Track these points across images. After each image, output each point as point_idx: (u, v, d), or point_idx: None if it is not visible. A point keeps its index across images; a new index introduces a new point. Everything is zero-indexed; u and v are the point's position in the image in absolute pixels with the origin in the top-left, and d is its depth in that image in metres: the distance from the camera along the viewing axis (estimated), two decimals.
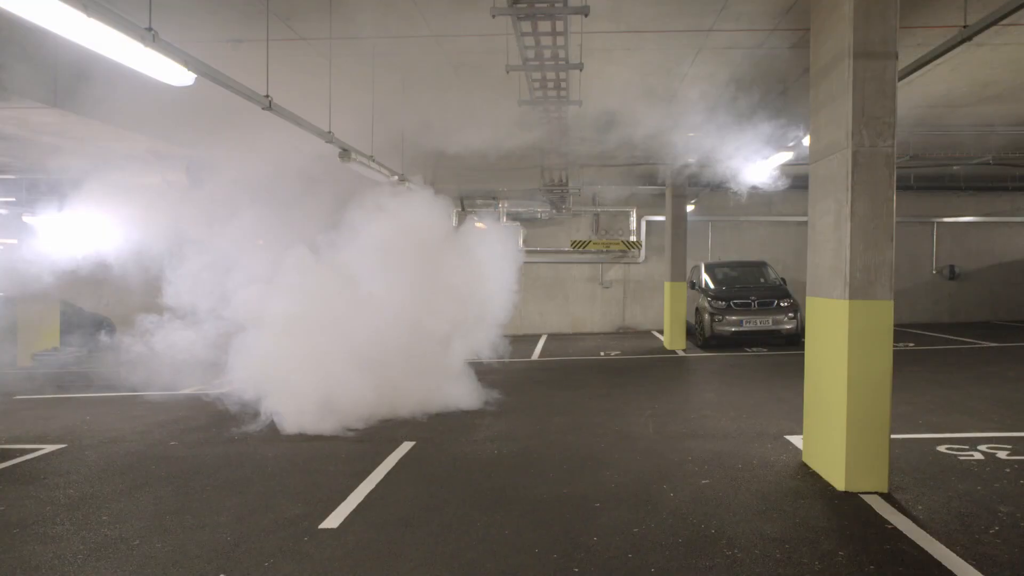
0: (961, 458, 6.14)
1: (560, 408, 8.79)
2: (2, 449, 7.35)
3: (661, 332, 17.37)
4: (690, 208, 17.29)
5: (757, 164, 12.03)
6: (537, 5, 5.76)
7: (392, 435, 7.45)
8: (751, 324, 14.28)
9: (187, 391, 9.63)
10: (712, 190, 17.75)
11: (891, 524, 4.71)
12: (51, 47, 7.47)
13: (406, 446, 7.00)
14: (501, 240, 11.02)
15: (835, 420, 5.45)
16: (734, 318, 14.35)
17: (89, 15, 4.12)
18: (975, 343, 14.43)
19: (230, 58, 8.10)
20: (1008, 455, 6.19)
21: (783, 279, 15.91)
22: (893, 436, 5.51)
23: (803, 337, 6.58)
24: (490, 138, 11.81)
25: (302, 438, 7.42)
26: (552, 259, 19.64)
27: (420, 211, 9.55)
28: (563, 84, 8.16)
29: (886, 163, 5.28)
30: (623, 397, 9.40)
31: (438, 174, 10.11)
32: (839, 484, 5.39)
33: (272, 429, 7.77)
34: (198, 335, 8.67)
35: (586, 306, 19.92)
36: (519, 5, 5.68)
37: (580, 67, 6.93)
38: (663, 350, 14.80)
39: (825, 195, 5.72)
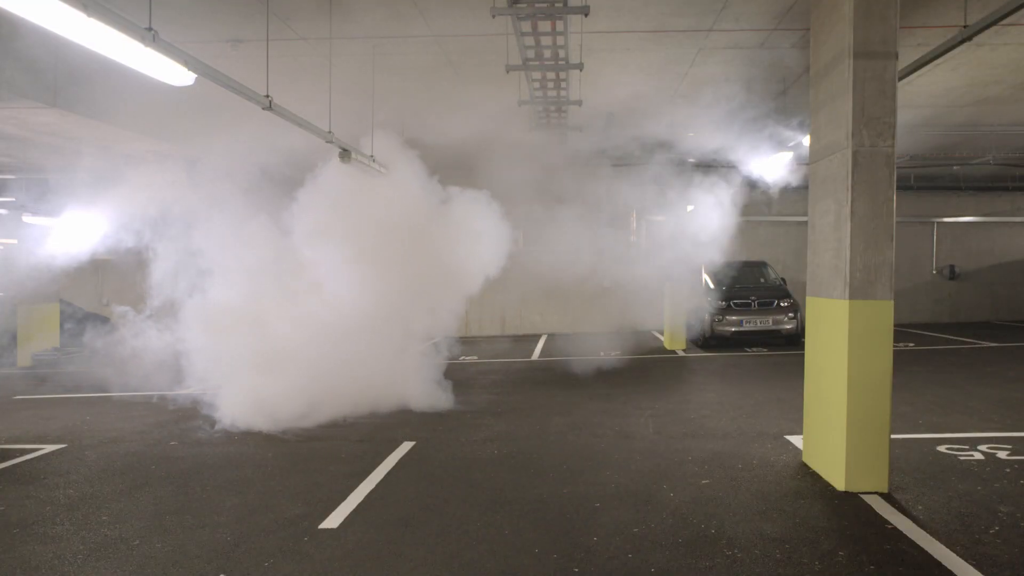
0: (961, 458, 6.14)
1: (560, 408, 8.78)
2: (2, 449, 7.34)
3: (661, 332, 17.37)
4: (690, 208, 17.26)
5: (757, 163, 12.03)
6: (537, 5, 5.76)
7: (392, 435, 7.45)
8: (751, 324, 14.27)
9: (187, 391, 9.61)
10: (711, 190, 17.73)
11: (891, 524, 4.71)
12: (51, 47, 7.46)
13: (406, 446, 7.00)
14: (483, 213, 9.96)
15: (835, 420, 5.45)
16: (734, 318, 14.34)
17: (89, 15, 4.12)
18: (975, 343, 14.43)
19: (230, 58, 8.11)
20: (1008, 455, 6.19)
21: (783, 279, 15.89)
22: (893, 436, 5.51)
23: (803, 337, 6.58)
24: (490, 137, 11.82)
25: (302, 437, 7.42)
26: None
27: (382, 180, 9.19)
28: (563, 84, 8.17)
29: (886, 163, 5.28)
30: (623, 397, 9.39)
31: (437, 172, 10.08)
32: (839, 484, 5.39)
33: (273, 429, 7.77)
34: (195, 335, 8.66)
35: (586, 306, 19.86)
36: (519, 5, 5.69)
37: (580, 67, 6.95)
38: (663, 350, 14.79)
39: (825, 195, 5.72)
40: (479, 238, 9.63)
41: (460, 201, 9.85)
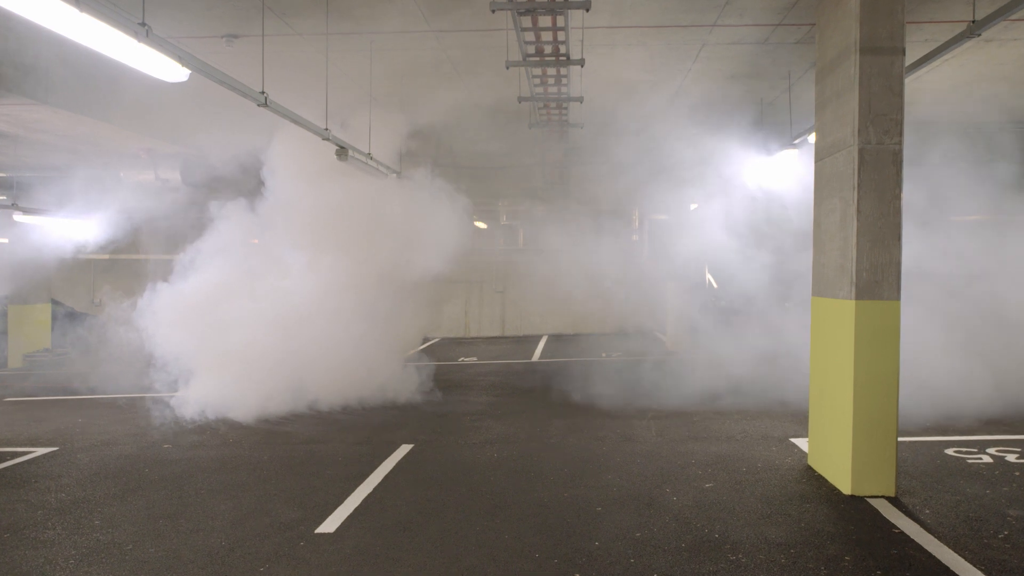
0: (970, 461, 6.05)
1: (560, 410, 8.69)
2: None
3: (664, 333, 17.28)
4: (693, 208, 17.18)
5: (761, 162, 11.93)
6: (537, 0, 5.66)
7: (390, 437, 7.36)
8: None
9: (181, 392, 9.50)
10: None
11: (898, 528, 4.63)
12: (43, 43, 7.37)
13: (404, 448, 6.91)
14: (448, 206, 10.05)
15: (841, 423, 5.36)
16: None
17: (81, 10, 4.04)
18: None
19: (225, 54, 8.01)
20: (1017, 458, 6.11)
21: None
22: (900, 439, 5.43)
23: None
24: (489, 135, 11.72)
25: (297, 439, 7.32)
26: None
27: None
28: (564, 80, 8.08)
29: (893, 161, 5.19)
30: (625, 398, 9.29)
31: (436, 172, 10.00)
32: (845, 488, 5.30)
33: (268, 431, 7.69)
34: (188, 335, 8.57)
35: (587, 306, 19.76)
36: (518, 0, 5.59)
37: (581, 63, 6.85)
38: (665, 351, 14.71)
39: (831, 193, 5.63)
40: (439, 227, 9.82)
41: (436, 194, 10.03)
